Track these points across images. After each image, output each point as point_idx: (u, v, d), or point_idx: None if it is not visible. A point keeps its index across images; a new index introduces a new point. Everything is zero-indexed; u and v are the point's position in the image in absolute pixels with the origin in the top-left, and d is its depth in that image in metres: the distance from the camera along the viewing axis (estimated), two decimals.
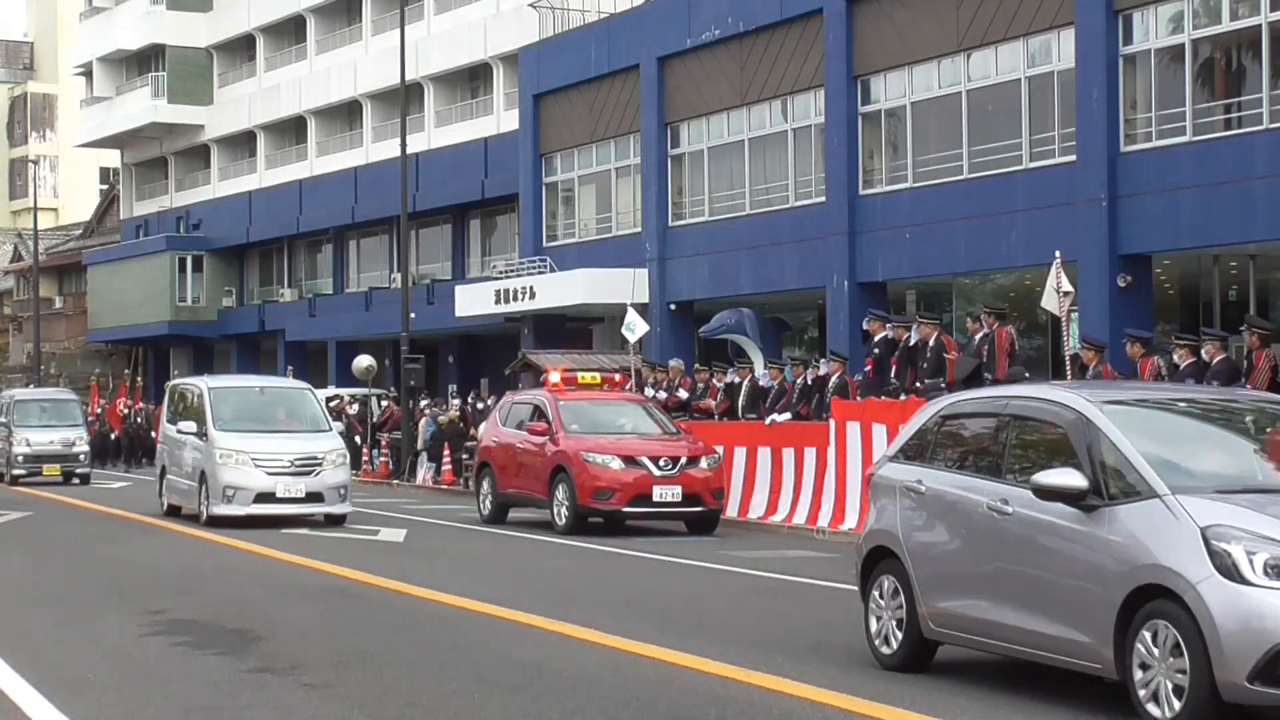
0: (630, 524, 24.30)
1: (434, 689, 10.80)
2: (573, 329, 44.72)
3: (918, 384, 22.95)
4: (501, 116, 50.84)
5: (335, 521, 25.19)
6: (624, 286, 38.38)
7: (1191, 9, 27.63)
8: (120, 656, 12.36)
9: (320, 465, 25.16)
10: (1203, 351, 19.38)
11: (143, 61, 70.41)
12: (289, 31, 64.00)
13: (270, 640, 13.06)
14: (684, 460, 23.72)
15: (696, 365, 32.22)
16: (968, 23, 31.60)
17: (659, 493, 23.53)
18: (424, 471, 39.01)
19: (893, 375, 23.63)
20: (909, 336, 23.70)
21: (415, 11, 53.58)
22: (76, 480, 40.00)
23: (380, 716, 9.91)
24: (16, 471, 39.81)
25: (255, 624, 13.99)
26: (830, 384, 25.35)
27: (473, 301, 45.77)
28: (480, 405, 40.00)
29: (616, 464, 23.59)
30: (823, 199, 35.14)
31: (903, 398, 22.75)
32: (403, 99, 44.45)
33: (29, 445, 39.90)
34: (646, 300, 38.76)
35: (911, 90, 33.26)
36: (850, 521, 23.19)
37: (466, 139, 52.28)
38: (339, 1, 60.70)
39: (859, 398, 24.03)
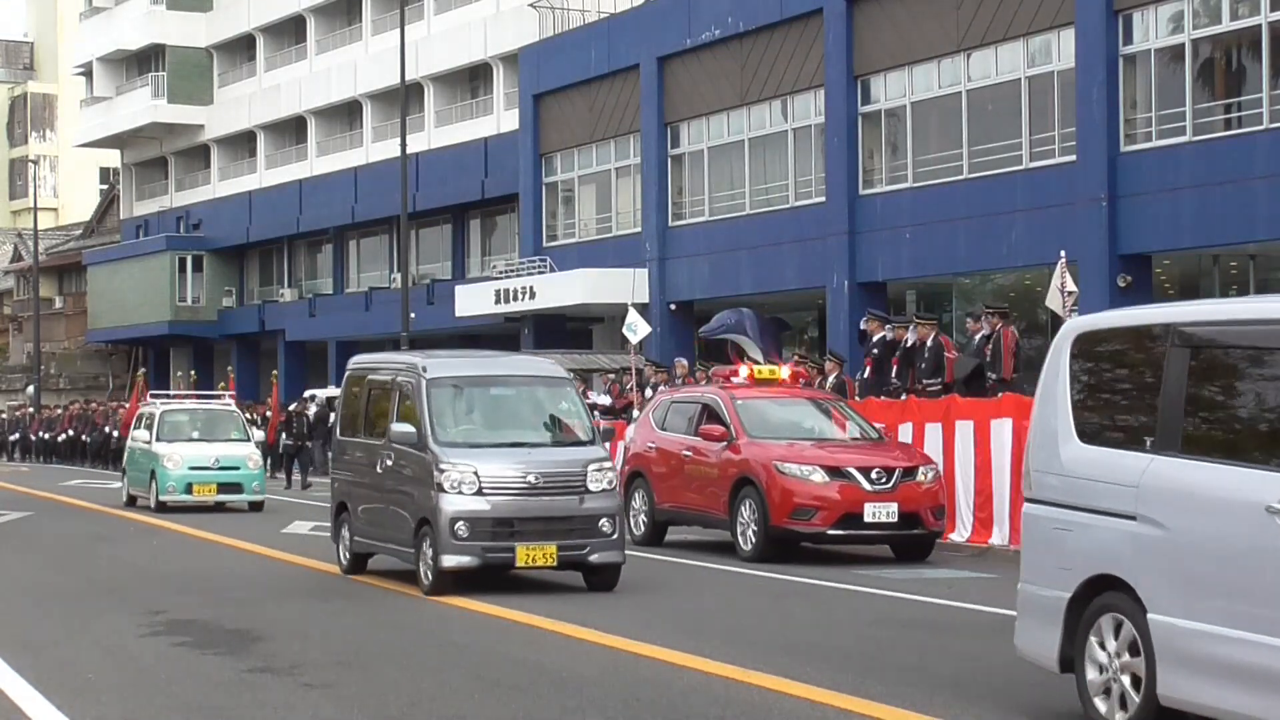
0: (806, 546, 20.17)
1: (434, 689, 10.80)
2: (573, 329, 44.72)
3: (917, 384, 22.96)
4: (501, 116, 50.83)
5: None
6: (624, 286, 38.38)
7: (1191, 9, 27.63)
8: (120, 656, 12.35)
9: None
10: None
11: (143, 61, 70.40)
12: (289, 31, 63.98)
13: (270, 640, 13.05)
14: (899, 472, 19.49)
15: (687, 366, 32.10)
16: (968, 23, 31.60)
17: (871, 511, 19.22)
18: None
19: (893, 375, 23.63)
20: (907, 337, 23.71)
21: (415, 11, 53.56)
22: (592, 578, 16.69)
23: (380, 716, 9.91)
24: (452, 561, 15.86)
25: (255, 624, 13.99)
26: (829, 384, 25.33)
27: (473, 301, 45.76)
28: None
29: (819, 476, 19.32)
30: (823, 199, 35.14)
31: (903, 398, 22.76)
32: (403, 99, 44.44)
33: (482, 491, 16.04)
34: (646, 300, 38.76)
35: (911, 90, 33.25)
36: None
37: (466, 139, 52.27)
38: (339, 1, 60.68)
39: (858, 398, 24.01)
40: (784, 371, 22.60)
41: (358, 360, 19.16)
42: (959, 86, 32.08)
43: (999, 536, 20.41)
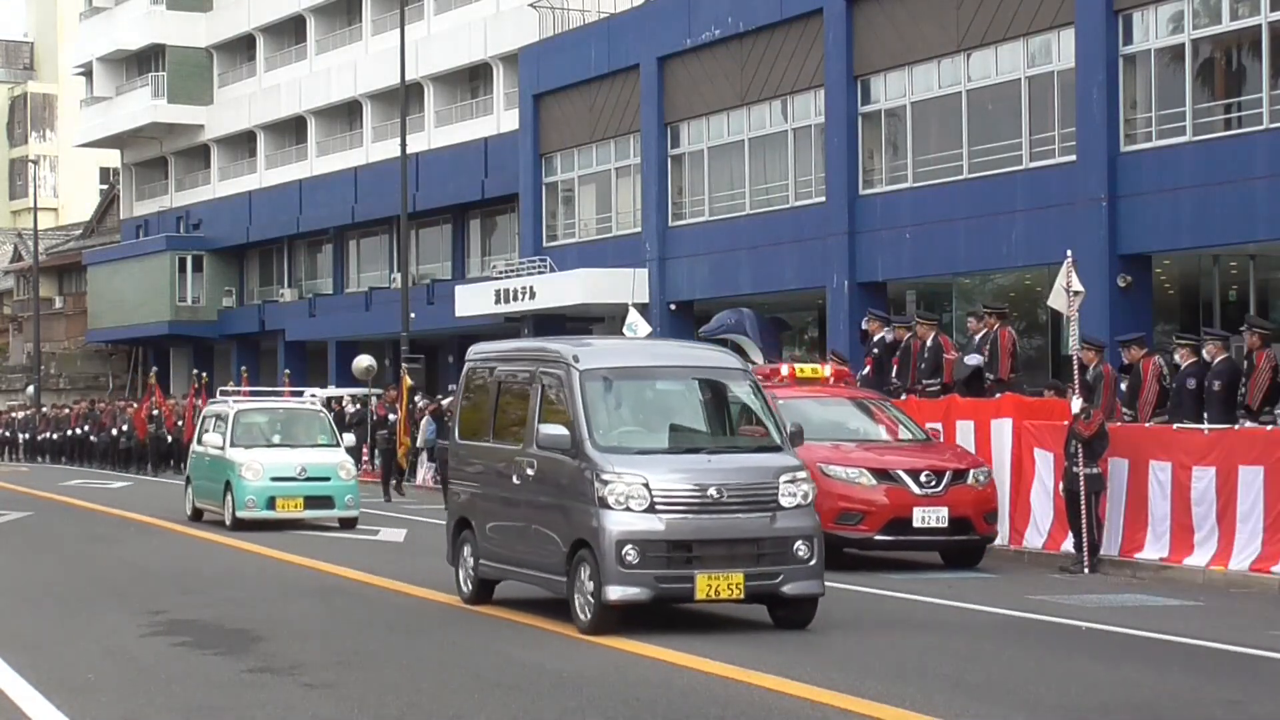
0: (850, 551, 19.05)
1: (434, 689, 10.80)
2: (573, 329, 44.69)
3: (917, 385, 22.96)
4: (501, 116, 50.83)
5: None
6: (624, 286, 38.38)
7: (1191, 9, 27.62)
8: (120, 656, 12.36)
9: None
10: (1204, 351, 19.43)
11: (143, 61, 70.41)
12: (289, 31, 63.99)
13: (270, 640, 13.06)
14: (949, 474, 18.90)
15: None
16: (968, 23, 31.59)
17: (921, 516, 18.58)
18: (424, 471, 38.98)
19: (893, 375, 23.62)
20: (908, 337, 23.69)
21: (415, 11, 53.56)
22: (782, 612, 14.10)
23: (380, 716, 9.91)
24: (619, 593, 13.27)
25: (255, 624, 14.00)
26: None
27: (473, 301, 45.76)
28: None
29: (866, 479, 18.68)
30: (823, 199, 35.13)
31: (903, 397, 22.75)
32: (403, 99, 44.43)
33: (654, 508, 13.37)
34: (646, 300, 38.75)
35: (911, 90, 33.24)
36: None
37: (466, 139, 52.27)
38: (339, 1, 60.69)
39: None
40: (826, 370, 21.73)
41: (480, 350, 16.13)
42: (959, 86, 32.06)
43: (999, 536, 20.41)
